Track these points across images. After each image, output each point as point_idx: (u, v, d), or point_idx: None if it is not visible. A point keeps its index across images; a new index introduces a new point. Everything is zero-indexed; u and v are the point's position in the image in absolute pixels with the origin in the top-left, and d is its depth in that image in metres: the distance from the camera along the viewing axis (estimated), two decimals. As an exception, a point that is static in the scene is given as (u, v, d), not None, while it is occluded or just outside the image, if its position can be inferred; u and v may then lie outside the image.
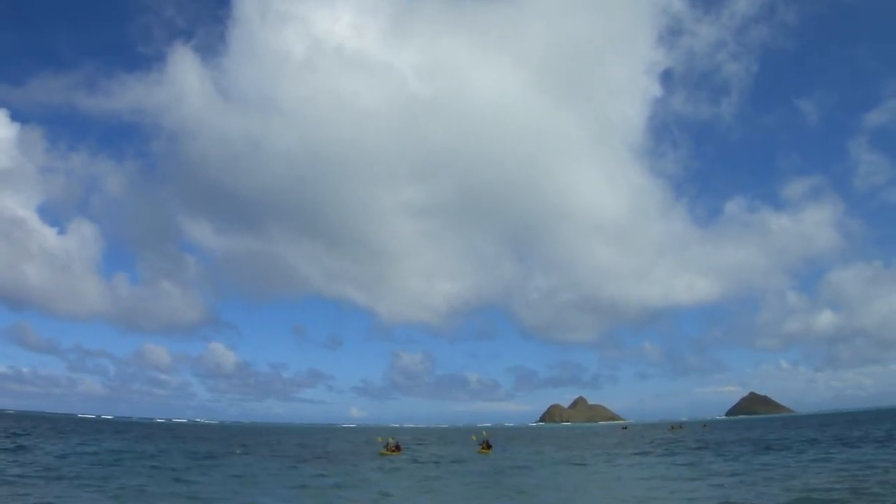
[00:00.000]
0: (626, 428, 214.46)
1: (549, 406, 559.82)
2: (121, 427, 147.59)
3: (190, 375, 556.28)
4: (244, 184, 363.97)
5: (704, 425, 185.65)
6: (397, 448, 59.81)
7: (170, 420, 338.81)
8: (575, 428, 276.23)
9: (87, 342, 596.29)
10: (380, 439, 61.92)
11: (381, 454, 58.55)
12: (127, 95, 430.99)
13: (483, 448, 64.80)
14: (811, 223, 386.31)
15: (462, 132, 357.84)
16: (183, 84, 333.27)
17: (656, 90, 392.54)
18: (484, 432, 73.30)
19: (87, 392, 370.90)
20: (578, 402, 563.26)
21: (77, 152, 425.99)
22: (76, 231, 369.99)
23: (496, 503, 26.79)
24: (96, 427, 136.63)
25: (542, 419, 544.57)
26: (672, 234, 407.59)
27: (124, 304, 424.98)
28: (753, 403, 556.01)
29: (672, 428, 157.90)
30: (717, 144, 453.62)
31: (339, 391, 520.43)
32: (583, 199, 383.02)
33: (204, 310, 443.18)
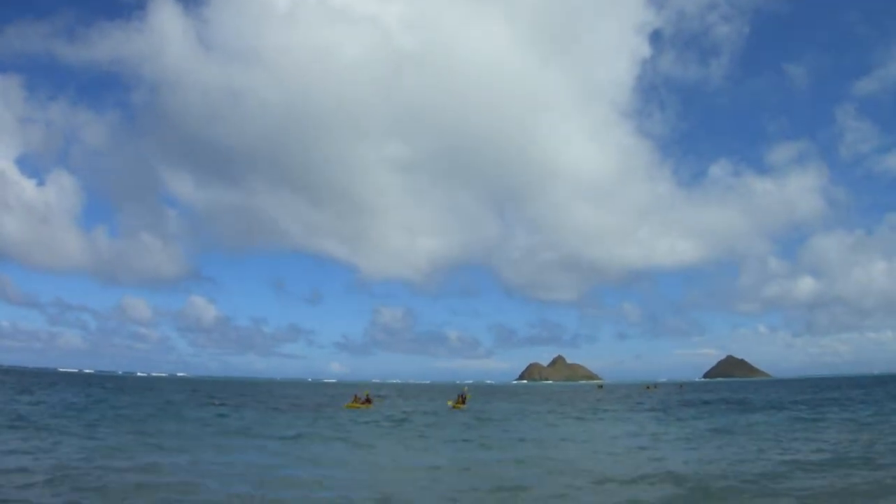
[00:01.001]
0: (601, 387, 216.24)
1: (528, 364, 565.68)
2: (99, 380, 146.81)
3: (170, 329, 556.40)
4: (226, 136, 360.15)
5: (681, 386, 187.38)
6: (367, 401, 58.80)
7: (150, 374, 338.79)
8: (553, 386, 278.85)
9: (68, 296, 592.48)
10: (356, 397, 60.63)
11: (348, 407, 57.47)
12: (107, 44, 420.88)
13: (457, 403, 64.14)
14: (795, 189, 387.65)
15: (447, 87, 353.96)
16: (164, 33, 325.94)
17: (645, 50, 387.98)
18: (465, 388, 72.62)
19: (67, 346, 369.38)
20: (557, 361, 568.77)
21: (56, 102, 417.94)
22: (55, 183, 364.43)
23: (459, 454, 25.97)
24: (74, 380, 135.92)
25: (521, 377, 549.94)
26: (656, 195, 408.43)
27: (104, 258, 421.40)
28: (731, 366, 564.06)
29: (648, 387, 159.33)
30: (704, 106, 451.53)
31: (320, 346, 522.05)
32: (568, 158, 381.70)
33: (184, 263, 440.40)
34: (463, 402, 64.42)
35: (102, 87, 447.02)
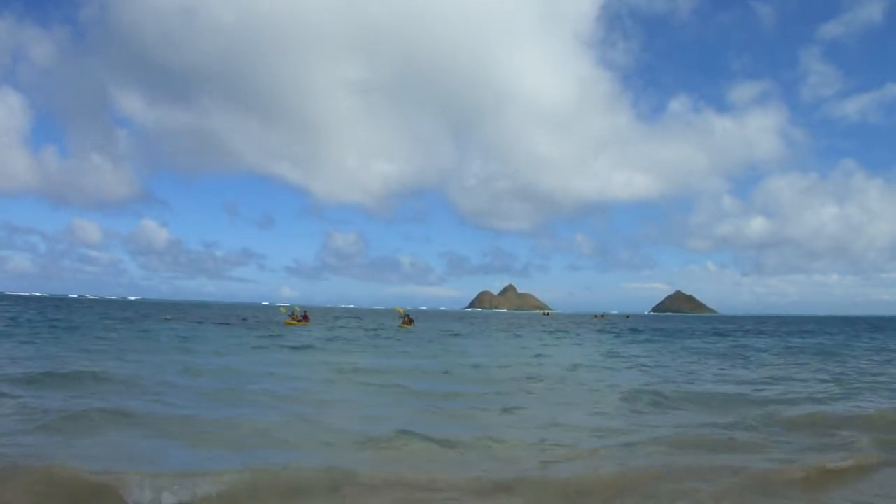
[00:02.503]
0: (547, 314, 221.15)
1: (479, 292, 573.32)
2: (50, 302, 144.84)
3: (121, 253, 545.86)
4: (178, 54, 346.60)
5: (628, 317, 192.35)
6: (305, 318, 59.41)
7: (102, 297, 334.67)
8: (502, 314, 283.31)
9: (16, 218, 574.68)
10: (283, 310, 61.29)
11: (287, 324, 58.04)
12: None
13: (405, 322, 65.27)
14: (754, 128, 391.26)
15: (405, 8, 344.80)
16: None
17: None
18: (399, 307, 73.60)
19: (15, 270, 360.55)
20: (508, 290, 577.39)
21: (1, 18, 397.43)
22: (2, 101, 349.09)
23: (397, 359, 26.70)
24: (24, 301, 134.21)
25: (472, 305, 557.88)
26: (614, 128, 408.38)
27: (54, 178, 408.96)
28: (679, 301, 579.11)
29: (595, 317, 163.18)
30: (668, 40, 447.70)
31: (271, 270, 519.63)
32: (527, 85, 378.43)
33: (135, 185, 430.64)
34: (410, 322, 65.70)
35: (50, 3, 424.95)
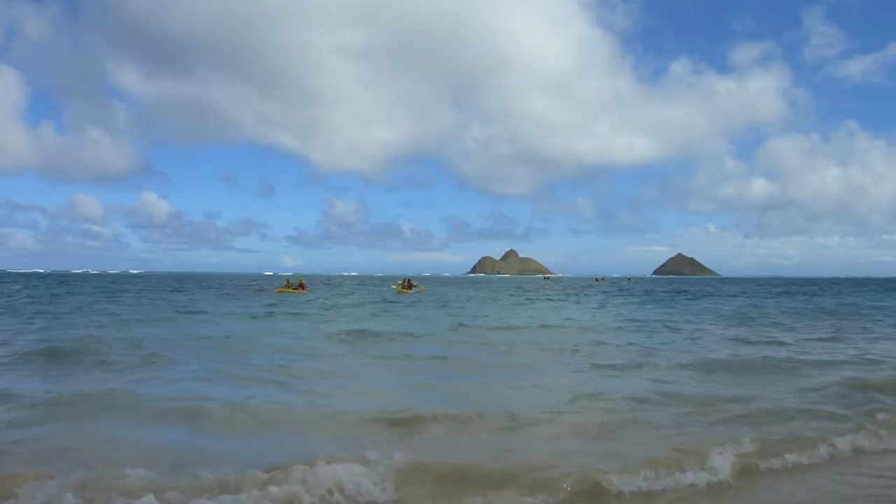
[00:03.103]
0: (548, 278, 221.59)
1: (480, 258, 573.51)
2: (52, 278, 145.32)
3: (123, 226, 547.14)
4: (173, 24, 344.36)
5: (629, 279, 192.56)
6: (301, 286, 58.85)
7: (104, 272, 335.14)
8: (502, 279, 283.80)
9: (17, 196, 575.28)
10: (288, 282, 60.60)
11: (279, 291, 57.72)
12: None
13: (403, 288, 65.30)
14: (756, 90, 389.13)
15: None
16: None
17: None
18: (402, 281, 73.21)
19: (19, 247, 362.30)
20: (510, 255, 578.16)
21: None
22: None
23: (392, 320, 26.57)
24: (28, 278, 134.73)
25: (473, 270, 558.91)
26: (615, 90, 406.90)
27: (52, 154, 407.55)
28: (680, 264, 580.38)
29: (596, 280, 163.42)
30: (669, 1, 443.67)
31: (273, 240, 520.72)
32: (527, 48, 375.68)
33: (134, 158, 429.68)
34: (409, 287, 65.69)
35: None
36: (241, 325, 26.94)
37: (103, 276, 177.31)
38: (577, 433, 9.11)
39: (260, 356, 16.91)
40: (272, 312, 33.41)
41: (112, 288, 68.52)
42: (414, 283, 71.02)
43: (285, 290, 57.90)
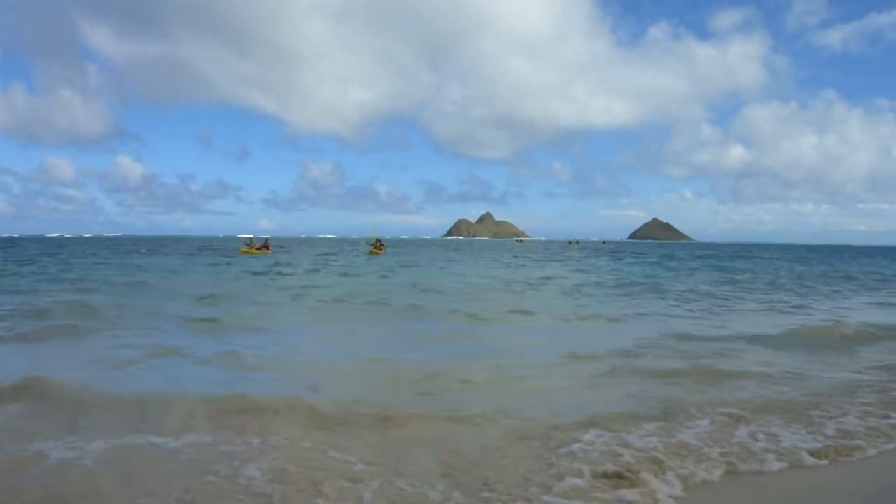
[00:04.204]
0: (521, 241, 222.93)
1: (456, 220, 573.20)
2: (26, 242, 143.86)
3: (97, 190, 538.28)
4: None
5: (604, 243, 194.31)
6: (265, 247, 58.47)
7: (79, 235, 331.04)
8: (476, 241, 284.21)
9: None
10: (252, 244, 60.11)
11: (243, 252, 57.11)
12: None
13: (374, 248, 64.94)
14: (735, 56, 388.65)
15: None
16: None
17: None
18: (373, 233, 72.96)
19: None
20: (486, 218, 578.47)
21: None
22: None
23: (354, 286, 27.17)
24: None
25: (449, 233, 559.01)
26: (593, 54, 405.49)
27: (23, 116, 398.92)
28: (656, 229, 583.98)
29: (570, 243, 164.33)
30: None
31: (249, 202, 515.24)
32: (504, 9, 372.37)
33: (108, 120, 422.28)
34: (381, 247, 65.56)
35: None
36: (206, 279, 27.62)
37: (76, 240, 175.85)
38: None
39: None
40: (234, 271, 34.10)
41: (80, 252, 68.49)
42: (374, 238, 70.30)
43: (248, 251, 57.13)
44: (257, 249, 57.37)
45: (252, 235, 72.52)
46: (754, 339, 13.26)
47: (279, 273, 33.09)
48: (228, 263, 41.48)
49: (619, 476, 5.76)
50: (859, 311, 19.53)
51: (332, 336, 13.77)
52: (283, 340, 12.93)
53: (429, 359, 10.97)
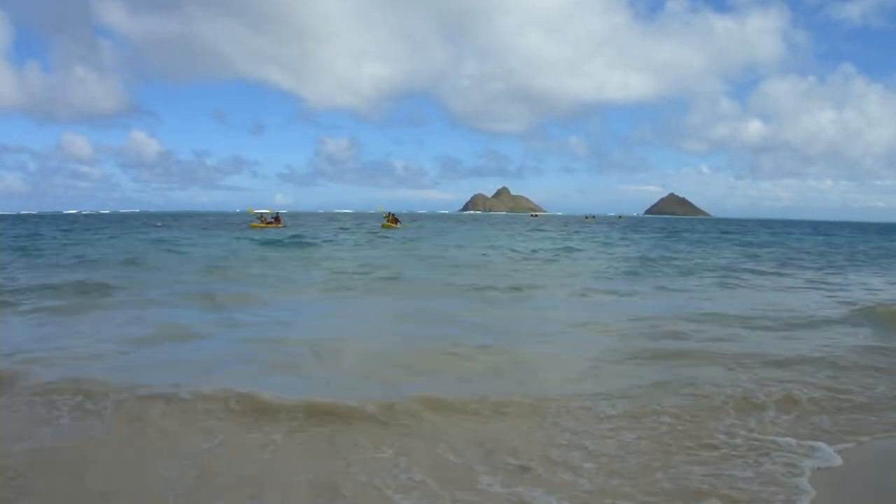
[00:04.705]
0: (535, 216, 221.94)
1: (472, 195, 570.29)
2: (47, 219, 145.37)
3: (112, 166, 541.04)
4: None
5: (620, 217, 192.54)
6: (276, 220, 57.67)
7: (97, 212, 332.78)
8: (492, 216, 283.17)
9: (4, 137, 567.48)
10: (251, 210, 59.54)
11: (253, 227, 56.06)
12: None
13: (388, 222, 63.91)
14: (754, 29, 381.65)
15: None
16: None
17: None
18: (381, 207, 72.54)
19: (7, 189, 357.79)
20: (502, 193, 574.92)
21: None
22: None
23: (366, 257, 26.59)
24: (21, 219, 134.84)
25: (465, 208, 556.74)
26: (611, 27, 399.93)
27: (39, 94, 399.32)
28: (672, 204, 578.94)
29: (586, 218, 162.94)
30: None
31: (264, 178, 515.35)
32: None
33: (123, 97, 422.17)
34: (395, 221, 64.53)
35: None
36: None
37: (97, 216, 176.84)
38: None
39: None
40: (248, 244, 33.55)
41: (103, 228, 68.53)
42: (384, 213, 69.40)
43: (258, 225, 56.18)
44: (268, 224, 56.70)
45: (263, 210, 71.17)
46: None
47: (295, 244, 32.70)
48: (237, 238, 40.88)
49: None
50: None
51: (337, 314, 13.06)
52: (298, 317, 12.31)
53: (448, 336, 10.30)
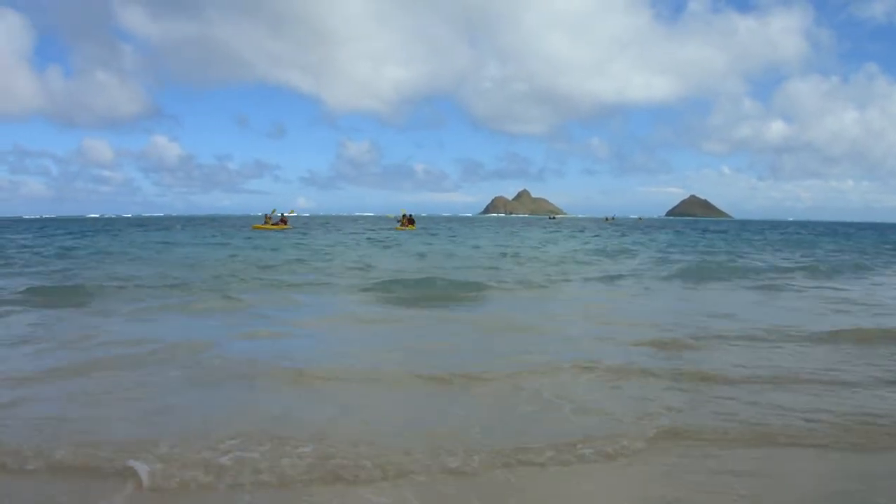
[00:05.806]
0: (553, 218, 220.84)
1: (493, 197, 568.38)
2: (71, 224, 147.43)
3: (134, 171, 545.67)
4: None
5: (639, 219, 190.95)
6: (283, 222, 56.21)
7: (119, 216, 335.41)
8: (511, 218, 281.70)
9: (26, 143, 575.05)
10: (267, 218, 56.48)
11: (256, 228, 54.59)
12: None
13: (403, 224, 62.57)
14: (777, 29, 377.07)
15: None
16: None
17: None
18: (403, 210, 70.72)
19: (30, 194, 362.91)
20: (523, 195, 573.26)
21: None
22: (2, 22, 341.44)
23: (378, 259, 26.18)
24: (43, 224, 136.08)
25: (486, 210, 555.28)
26: (633, 28, 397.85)
27: (61, 99, 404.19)
28: (693, 206, 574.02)
29: (606, 220, 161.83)
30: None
31: (286, 181, 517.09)
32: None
33: (144, 101, 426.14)
34: (411, 223, 63.20)
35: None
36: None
37: (118, 220, 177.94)
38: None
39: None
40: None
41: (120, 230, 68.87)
42: (405, 214, 67.84)
43: (263, 227, 54.12)
44: (273, 225, 54.61)
45: (284, 212, 68.43)
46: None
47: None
48: (229, 242, 39.79)
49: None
50: None
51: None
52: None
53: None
